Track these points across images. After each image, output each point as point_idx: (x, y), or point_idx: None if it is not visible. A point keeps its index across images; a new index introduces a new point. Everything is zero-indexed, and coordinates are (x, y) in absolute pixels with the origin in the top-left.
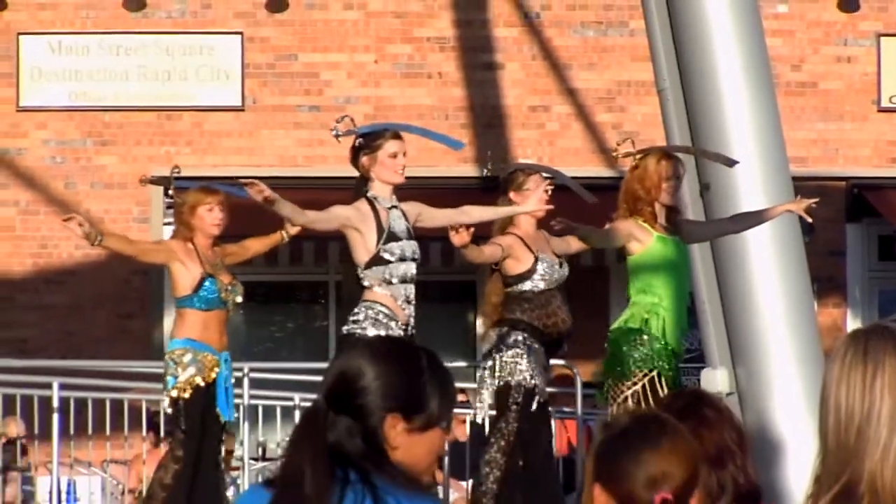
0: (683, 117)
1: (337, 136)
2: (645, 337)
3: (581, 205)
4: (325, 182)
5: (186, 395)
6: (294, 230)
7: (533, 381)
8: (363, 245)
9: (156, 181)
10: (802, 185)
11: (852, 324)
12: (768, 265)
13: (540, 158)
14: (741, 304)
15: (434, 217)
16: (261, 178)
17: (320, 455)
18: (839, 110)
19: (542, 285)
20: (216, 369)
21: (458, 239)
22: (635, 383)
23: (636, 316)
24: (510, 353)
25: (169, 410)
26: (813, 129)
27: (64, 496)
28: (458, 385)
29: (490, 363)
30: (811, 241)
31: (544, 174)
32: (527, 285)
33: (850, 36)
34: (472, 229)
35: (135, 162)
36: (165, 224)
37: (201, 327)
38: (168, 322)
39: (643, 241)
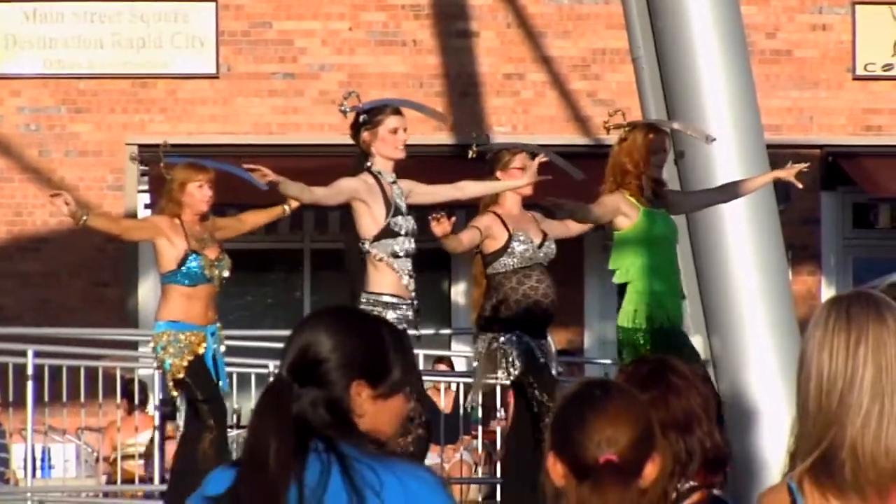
0: (658, 85)
1: (344, 112)
2: (636, 336)
3: (568, 181)
4: (299, 149)
5: (182, 375)
6: (296, 203)
7: (519, 371)
8: (371, 217)
9: (145, 160)
10: (777, 153)
11: (827, 292)
12: (743, 233)
13: (514, 126)
14: (716, 272)
15: (428, 193)
16: (235, 146)
17: (284, 428)
18: (814, 78)
19: (515, 263)
20: (203, 344)
21: (440, 229)
22: None
23: (625, 313)
24: (498, 359)
25: (176, 394)
26: (787, 96)
27: (38, 463)
28: (438, 353)
29: (481, 370)
30: (785, 210)
31: (530, 151)
32: (500, 264)
33: (824, 4)
34: (453, 219)
35: (109, 130)
36: (140, 192)
37: (186, 305)
38: (143, 290)
39: (630, 216)
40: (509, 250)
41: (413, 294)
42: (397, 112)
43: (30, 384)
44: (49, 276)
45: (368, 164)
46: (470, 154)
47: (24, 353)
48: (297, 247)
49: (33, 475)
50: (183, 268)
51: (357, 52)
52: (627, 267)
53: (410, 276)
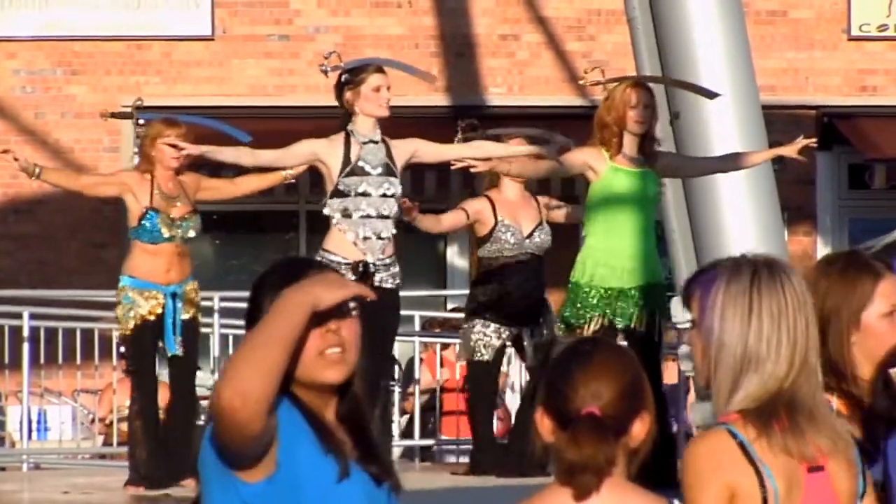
0: (653, 46)
1: (325, 71)
2: (583, 291)
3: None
4: (294, 111)
5: (128, 332)
6: (298, 170)
7: (487, 355)
8: (329, 177)
9: (117, 115)
10: (772, 114)
11: (822, 252)
12: (738, 193)
13: (510, 87)
14: (711, 233)
15: (437, 152)
16: (231, 108)
17: None
18: (809, 39)
19: (501, 250)
20: (159, 308)
21: (406, 214)
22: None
23: (576, 267)
24: (469, 333)
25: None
26: (783, 57)
27: (34, 425)
28: (430, 314)
29: (460, 342)
30: (781, 170)
31: (528, 135)
32: (486, 249)
33: None
34: (417, 204)
35: (105, 92)
36: (136, 153)
37: (147, 263)
38: None
39: (598, 171)
40: (493, 238)
41: (368, 255)
42: (380, 70)
43: (25, 346)
44: (45, 239)
45: (349, 123)
46: (456, 140)
47: (19, 316)
48: (292, 208)
49: (29, 437)
50: (140, 226)
51: (352, 14)
52: (589, 221)
53: (366, 238)
